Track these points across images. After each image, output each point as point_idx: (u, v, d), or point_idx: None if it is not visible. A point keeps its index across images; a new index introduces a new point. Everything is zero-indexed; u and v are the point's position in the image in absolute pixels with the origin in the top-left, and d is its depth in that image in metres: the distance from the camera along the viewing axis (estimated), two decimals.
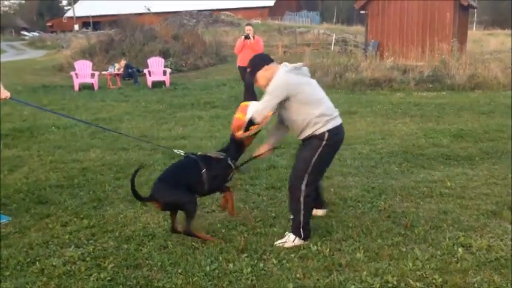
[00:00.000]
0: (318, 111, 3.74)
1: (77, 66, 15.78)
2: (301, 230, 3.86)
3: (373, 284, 3.26)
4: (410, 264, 3.49)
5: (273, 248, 3.84)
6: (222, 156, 4.01)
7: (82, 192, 5.27)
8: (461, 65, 14.40)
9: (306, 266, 3.55)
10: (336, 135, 3.83)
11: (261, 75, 3.87)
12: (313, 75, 14.25)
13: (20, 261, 3.69)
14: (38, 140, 7.81)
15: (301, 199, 3.80)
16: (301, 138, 3.91)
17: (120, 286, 3.32)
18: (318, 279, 3.35)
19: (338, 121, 3.90)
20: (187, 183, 3.87)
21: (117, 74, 16.46)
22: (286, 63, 3.90)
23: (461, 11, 19.98)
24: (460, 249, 3.70)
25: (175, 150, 4.26)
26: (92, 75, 15.44)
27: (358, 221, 4.33)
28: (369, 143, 7.32)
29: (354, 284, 3.27)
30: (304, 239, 3.89)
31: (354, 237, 3.99)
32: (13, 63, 26.84)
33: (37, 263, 3.67)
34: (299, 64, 3.91)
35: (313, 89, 3.84)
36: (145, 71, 16.01)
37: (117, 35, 22.87)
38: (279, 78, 3.72)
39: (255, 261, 3.62)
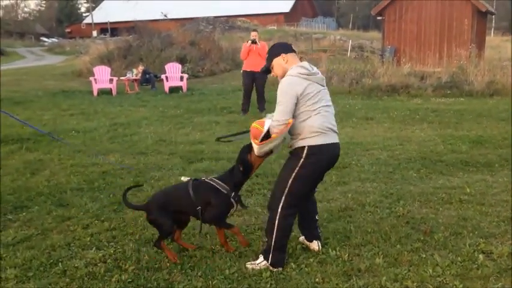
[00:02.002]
0: (308, 122, 3.43)
1: (95, 71, 15.99)
2: (270, 254, 3.54)
3: None
4: (430, 270, 3.48)
5: (292, 252, 3.85)
6: (225, 191, 3.66)
7: (102, 195, 5.35)
8: (480, 71, 14.27)
9: (324, 270, 3.56)
10: (315, 154, 3.45)
11: (277, 62, 3.60)
12: (329, 81, 14.20)
13: (42, 263, 3.76)
14: (58, 144, 7.93)
15: (276, 221, 3.48)
16: (289, 149, 3.62)
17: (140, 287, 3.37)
18: (337, 284, 3.36)
19: (326, 139, 3.50)
20: (177, 210, 3.79)
21: (135, 80, 16.64)
22: (305, 63, 3.58)
23: (479, 17, 19.81)
24: (480, 256, 3.67)
25: (182, 178, 3.95)
26: (111, 81, 15.63)
27: (376, 226, 4.33)
28: (387, 148, 7.30)
29: None
30: (272, 265, 3.54)
31: (373, 243, 3.98)
32: (33, 68, 27.28)
33: (59, 264, 3.74)
34: (316, 70, 3.57)
35: (316, 99, 3.47)
36: (163, 76, 16.16)
37: (134, 41, 23.11)
38: (285, 83, 3.44)
39: None
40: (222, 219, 3.77)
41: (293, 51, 3.64)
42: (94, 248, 4.01)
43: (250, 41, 10.71)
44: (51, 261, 3.78)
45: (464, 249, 3.80)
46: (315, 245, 3.89)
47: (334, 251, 3.84)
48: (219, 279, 3.44)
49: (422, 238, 4.05)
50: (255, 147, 3.46)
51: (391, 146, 7.44)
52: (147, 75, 16.79)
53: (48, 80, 19.82)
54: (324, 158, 3.52)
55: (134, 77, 16.65)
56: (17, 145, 7.75)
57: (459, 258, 3.67)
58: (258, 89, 10.81)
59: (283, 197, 3.46)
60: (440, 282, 3.34)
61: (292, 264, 3.66)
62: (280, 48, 3.66)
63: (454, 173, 6.03)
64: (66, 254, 3.90)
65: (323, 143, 3.46)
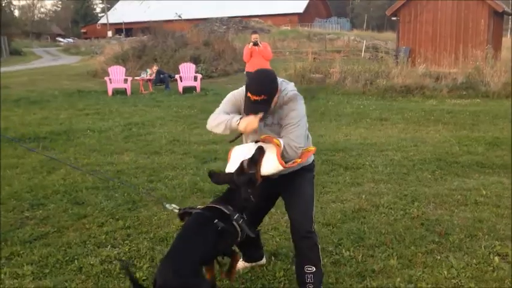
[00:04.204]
0: (309, 141, 3.22)
1: (110, 71, 16.12)
2: (321, 283, 3.20)
3: None
4: (445, 272, 3.46)
5: None
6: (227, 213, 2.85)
7: (117, 194, 5.39)
8: (496, 72, 14.10)
9: (338, 271, 3.56)
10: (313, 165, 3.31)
11: (275, 100, 2.98)
12: (343, 81, 14.12)
13: (58, 260, 3.81)
14: (74, 143, 8.02)
15: (318, 244, 3.17)
16: (286, 171, 3.03)
17: None
18: (350, 285, 3.35)
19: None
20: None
21: (149, 80, 16.75)
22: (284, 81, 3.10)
23: (496, 17, 19.59)
24: (496, 258, 3.64)
25: (167, 205, 3.13)
26: (125, 81, 15.75)
27: (390, 227, 4.31)
28: (401, 149, 7.25)
29: None
30: None
31: (387, 244, 3.97)
32: (49, 68, 27.61)
33: (75, 261, 3.78)
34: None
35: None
36: (177, 76, 16.25)
37: (149, 41, 23.27)
38: (302, 105, 3.01)
39: (288, 266, 3.64)
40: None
41: None
42: (109, 246, 4.05)
43: (252, 43, 10.78)
44: (67, 258, 3.83)
45: (479, 252, 3.77)
46: (263, 260, 3.66)
47: (348, 252, 3.84)
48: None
49: (437, 240, 4.02)
50: (273, 166, 2.86)
51: (405, 147, 7.39)
52: (161, 76, 16.88)
53: (64, 80, 20.05)
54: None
55: (148, 77, 16.76)
56: (33, 144, 7.84)
57: (474, 260, 3.64)
58: None
59: (313, 215, 3.14)
60: (455, 284, 3.32)
61: None
62: (275, 83, 2.95)
63: (469, 174, 5.97)
64: (81, 252, 3.95)
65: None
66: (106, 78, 15.67)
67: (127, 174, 6.18)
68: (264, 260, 3.67)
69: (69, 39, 63.73)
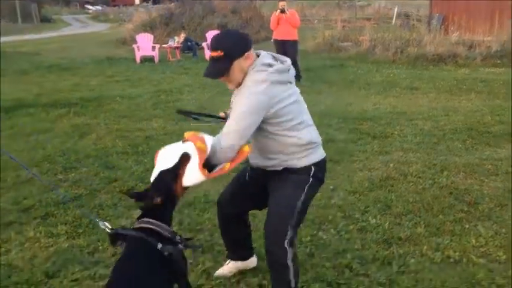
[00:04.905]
0: (304, 138, 2.48)
1: (138, 39, 16.16)
2: None
3: (433, 259, 3.24)
4: (473, 240, 3.44)
5: (332, 218, 3.87)
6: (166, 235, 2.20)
7: (146, 159, 5.49)
8: None
9: (364, 238, 3.57)
10: (321, 171, 2.60)
11: (238, 66, 2.42)
12: (373, 50, 13.82)
13: (91, 220, 3.93)
14: (104, 109, 8.15)
15: (289, 262, 2.45)
16: (270, 169, 2.57)
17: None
18: (377, 251, 3.37)
19: (323, 151, 2.64)
20: None
21: (177, 47, 16.74)
22: (264, 54, 2.52)
23: None
24: None
25: (99, 223, 2.44)
26: (153, 48, 15.78)
27: (418, 196, 4.28)
28: (431, 119, 7.13)
29: (413, 258, 3.27)
30: None
31: (415, 212, 3.95)
32: (79, 35, 27.87)
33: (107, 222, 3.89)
34: (283, 64, 2.51)
35: (298, 105, 2.52)
36: (204, 44, 16.18)
37: (176, 9, 23.17)
38: (255, 95, 2.34)
39: (314, 231, 3.68)
40: None
41: (251, 44, 2.49)
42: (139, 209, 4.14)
43: (279, 11, 10.61)
44: (99, 219, 3.94)
45: (508, 221, 3.73)
46: (253, 261, 3.14)
47: (374, 219, 3.84)
48: (259, 242, 3.47)
49: (465, 209, 3.99)
50: (195, 177, 2.26)
51: (436, 117, 7.25)
52: (189, 43, 16.85)
53: (94, 47, 20.23)
54: (325, 171, 2.67)
55: (176, 45, 16.76)
56: (65, 109, 8.01)
57: (503, 229, 3.60)
58: (289, 58, 10.70)
59: (290, 227, 2.44)
60: (483, 252, 3.30)
61: (331, 230, 3.69)
62: (242, 45, 2.44)
63: (501, 144, 5.84)
64: (113, 213, 4.07)
65: (323, 157, 2.62)
66: (134, 46, 15.73)
67: (156, 140, 6.27)
68: (253, 261, 3.12)
69: (97, 7, 63.97)
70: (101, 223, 2.39)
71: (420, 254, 3.31)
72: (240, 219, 2.91)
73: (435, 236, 3.55)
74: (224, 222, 2.93)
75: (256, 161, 2.61)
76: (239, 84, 2.46)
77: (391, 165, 5.12)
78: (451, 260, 3.23)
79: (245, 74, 2.43)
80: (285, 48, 10.54)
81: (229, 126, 2.34)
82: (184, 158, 2.27)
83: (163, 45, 16.67)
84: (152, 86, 10.51)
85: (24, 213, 4.07)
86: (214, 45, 2.43)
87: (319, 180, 2.58)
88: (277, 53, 9.41)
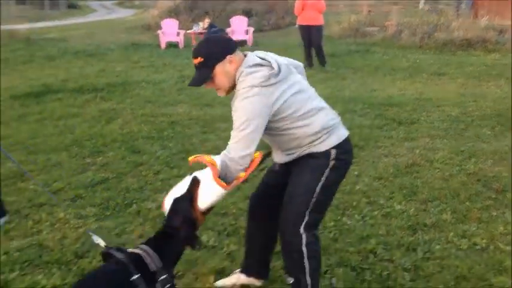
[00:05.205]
0: (316, 125, 2.36)
1: (163, 25, 16.23)
2: None
3: (460, 245, 3.22)
4: (501, 228, 3.39)
5: (356, 204, 3.86)
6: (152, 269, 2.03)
7: (171, 144, 5.55)
8: None
9: (389, 223, 3.56)
10: (345, 152, 2.45)
11: (222, 72, 2.33)
12: (399, 35, 13.50)
13: (118, 203, 4.01)
14: (130, 94, 8.25)
15: (303, 248, 2.40)
16: (288, 160, 2.50)
17: (209, 231, 3.52)
18: (401, 237, 3.35)
19: (344, 131, 2.48)
20: None
21: (201, 33, 16.75)
22: (250, 57, 2.38)
23: None
24: None
25: (93, 237, 2.27)
26: (178, 34, 15.84)
27: (445, 183, 4.23)
28: (459, 105, 7.00)
29: (439, 244, 3.25)
30: None
31: (441, 199, 3.92)
32: (105, 22, 28.11)
33: (133, 205, 3.98)
34: (271, 65, 2.32)
35: (302, 95, 2.39)
36: (228, 30, 16.16)
37: None
38: (251, 100, 2.24)
39: (338, 217, 3.68)
40: None
41: (236, 48, 2.40)
42: (165, 192, 4.17)
43: None
44: (126, 202, 4.02)
45: None
46: (258, 282, 2.87)
47: (399, 205, 3.83)
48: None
49: (493, 196, 3.93)
50: (213, 192, 2.21)
51: (464, 103, 7.12)
52: (213, 29, 16.85)
53: (119, 33, 20.39)
54: (351, 158, 2.55)
55: (200, 31, 16.77)
56: (92, 94, 8.13)
57: None
58: (314, 43, 10.62)
59: (307, 213, 2.40)
60: (510, 240, 3.25)
61: (356, 216, 3.69)
62: (222, 47, 2.37)
63: None
64: (139, 197, 4.14)
65: (346, 136, 2.47)
66: (159, 32, 15.81)
67: (181, 125, 6.32)
68: (260, 282, 2.88)
69: None
70: (94, 238, 2.25)
71: (446, 241, 3.28)
72: (270, 226, 2.65)
73: (462, 223, 3.52)
74: (253, 223, 2.79)
75: (279, 159, 2.55)
76: (229, 91, 2.40)
77: (417, 151, 5.07)
78: (478, 247, 3.20)
79: (234, 80, 2.34)
80: (310, 33, 10.45)
81: (234, 137, 2.26)
82: (195, 182, 2.20)
83: (188, 31, 16.70)
84: (177, 72, 10.57)
85: (55, 195, 4.18)
86: (194, 53, 2.36)
87: (343, 161, 2.45)
88: (302, 38, 9.07)
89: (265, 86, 2.26)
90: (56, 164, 4.95)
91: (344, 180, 4.27)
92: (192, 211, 2.17)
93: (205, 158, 2.25)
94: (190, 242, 2.20)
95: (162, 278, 2.03)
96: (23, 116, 6.91)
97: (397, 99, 7.46)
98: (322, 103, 2.46)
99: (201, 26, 16.91)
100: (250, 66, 2.30)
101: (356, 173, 4.52)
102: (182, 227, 2.14)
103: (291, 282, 2.47)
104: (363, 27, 16.30)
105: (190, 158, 2.35)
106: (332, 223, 3.55)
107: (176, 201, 2.20)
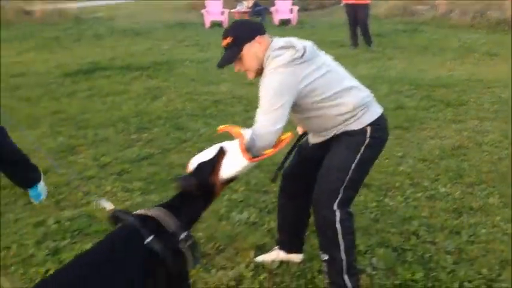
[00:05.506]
0: (349, 104, 2.35)
1: (207, 4, 16.27)
2: (345, 275, 2.44)
3: (506, 230, 3.13)
4: None
5: (400, 185, 3.81)
6: (171, 229, 1.97)
7: (214, 121, 5.61)
8: None
9: (433, 206, 3.50)
10: (380, 130, 2.43)
11: (251, 52, 2.36)
12: (449, 13, 12.98)
13: (162, 178, 4.12)
14: (174, 73, 8.37)
15: (337, 225, 2.38)
16: (324, 140, 2.50)
17: (251, 207, 3.57)
18: (445, 220, 3.29)
19: (378, 108, 2.47)
20: None
21: (245, 12, 16.70)
22: (276, 40, 2.41)
23: None
24: None
25: (100, 202, 2.42)
26: (222, 13, 15.85)
27: (493, 166, 4.11)
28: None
29: (484, 228, 3.17)
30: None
31: (488, 182, 3.81)
32: (151, 1, 28.42)
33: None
34: (297, 46, 2.31)
35: (332, 74, 2.37)
36: (272, 9, 16.03)
37: None
38: (278, 78, 2.26)
39: (380, 197, 3.65)
40: None
41: (265, 31, 2.42)
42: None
43: None
44: (171, 177, 4.12)
45: None
46: (299, 257, 2.89)
47: (444, 188, 3.75)
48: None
49: None
50: (237, 163, 2.21)
51: None
52: (258, 8, 16.75)
53: (165, 12, 20.61)
54: (386, 134, 2.51)
55: (245, 9, 16.72)
56: (138, 72, 8.30)
57: None
58: (360, 22, 10.37)
59: (342, 189, 2.39)
60: None
61: (399, 197, 3.64)
62: (251, 28, 2.43)
63: None
64: (183, 172, 4.21)
65: (380, 113, 2.46)
66: (203, 11, 15.86)
67: (224, 103, 6.38)
68: (299, 257, 2.89)
69: None
70: (103, 202, 2.30)
71: (492, 225, 3.20)
72: (303, 200, 2.65)
73: (509, 207, 3.41)
74: (284, 198, 2.80)
75: (315, 140, 2.56)
76: (257, 74, 2.41)
77: (465, 133, 4.93)
78: None
79: (262, 63, 2.35)
80: (356, 12, 10.23)
81: (261, 114, 2.26)
82: (221, 151, 2.21)
83: (232, 10, 16.68)
84: (220, 51, 10.57)
85: (103, 169, 4.33)
86: (224, 34, 2.41)
87: (378, 139, 2.43)
88: (348, 17, 8.88)
89: (291, 65, 2.26)
90: (103, 139, 5.12)
91: (387, 161, 4.28)
92: (212, 178, 2.17)
93: (234, 129, 2.27)
94: (194, 217, 2.15)
95: (182, 236, 1.97)
96: (73, 92, 7.15)
97: (445, 80, 7.24)
98: (353, 82, 2.44)
99: (245, 5, 16.86)
100: (276, 49, 2.31)
101: (400, 154, 4.45)
102: (199, 192, 2.12)
103: (326, 259, 2.46)
104: (411, 6, 15.80)
105: (220, 127, 2.39)
106: (374, 204, 3.53)
107: (199, 166, 2.21)
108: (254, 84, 8.03)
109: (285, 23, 15.50)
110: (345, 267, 2.41)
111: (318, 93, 2.31)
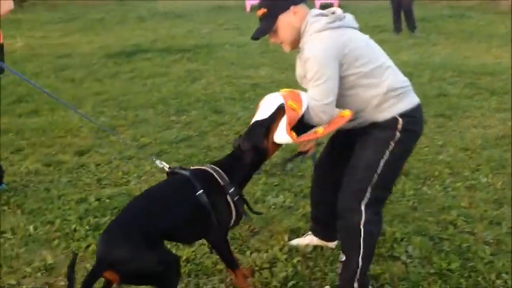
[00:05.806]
0: (385, 83, 2.23)
1: None
2: (356, 283, 2.34)
3: None
4: None
5: (438, 174, 3.74)
6: (223, 183, 2.22)
7: (252, 106, 5.61)
8: None
9: (472, 196, 3.43)
10: (414, 123, 2.29)
11: (285, 23, 2.29)
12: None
13: (200, 160, 4.18)
14: (214, 56, 8.42)
15: (361, 227, 2.27)
16: (352, 126, 2.34)
17: (286, 191, 3.59)
18: (485, 210, 3.22)
19: (415, 98, 2.33)
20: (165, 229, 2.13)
21: None
22: (313, 9, 2.34)
23: None
24: None
25: (156, 161, 2.56)
26: None
27: None
28: None
29: None
30: None
31: None
32: None
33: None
34: (337, 13, 2.28)
35: (370, 48, 2.30)
36: None
37: None
38: (320, 45, 2.19)
39: (418, 186, 3.60)
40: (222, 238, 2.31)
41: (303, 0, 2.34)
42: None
43: None
44: (208, 159, 4.18)
45: None
46: (333, 244, 2.85)
47: (485, 178, 3.67)
48: None
49: None
50: (285, 138, 2.20)
51: None
52: None
53: None
54: (421, 127, 2.37)
55: None
56: (179, 55, 8.41)
57: None
58: (404, 7, 10.07)
59: (370, 189, 2.26)
60: None
61: (437, 186, 3.59)
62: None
63: None
64: (220, 155, 4.24)
65: (416, 103, 2.32)
66: None
67: (262, 87, 6.39)
68: (333, 244, 2.85)
69: None
70: (158, 162, 2.51)
71: None
72: (334, 194, 2.44)
73: None
74: (316, 188, 2.77)
75: (345, 125, 2.37)
76: (293, 46, 2.36)
77: (509, 123, 4.77)
78: None
79: (298, 34, 2.29)
80: None
81: (310, 88, 2.21)
82: (280, 112, 2.19)
83: None
84: None
85: (142, 149, 4.44)
86: (258, 5, 2.35)
87: (412, 132, 2.29)
88: (392, 1, 8.63)
89: (332, 28, 2.21)
90: (143, 120, 5.23)
91: (426, 149, 4.20)
92: (265, 141, 2.24)
93: (289, 101, 2.20)
94: (245, 176, 2.33)
95: (231, 191, 2.20)
96: (115, 74, 7.32)
97: (491, 67, 6.99)
98: (390, 61, 2.34)
99: None
100: (314, 16, 2.27)
101: (440, 142, 4.36)
102: (251, 153, 2.24)
103: (343, 260, 2.37)
104: None
105: (282, 90, 2.37)
106: (411, 192, 3.48)
107: (254, 125, 2.27)
108: (293, 69, 8.01)
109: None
110: (358, 274, 2.32)
111: (355, 65, 2.20)
